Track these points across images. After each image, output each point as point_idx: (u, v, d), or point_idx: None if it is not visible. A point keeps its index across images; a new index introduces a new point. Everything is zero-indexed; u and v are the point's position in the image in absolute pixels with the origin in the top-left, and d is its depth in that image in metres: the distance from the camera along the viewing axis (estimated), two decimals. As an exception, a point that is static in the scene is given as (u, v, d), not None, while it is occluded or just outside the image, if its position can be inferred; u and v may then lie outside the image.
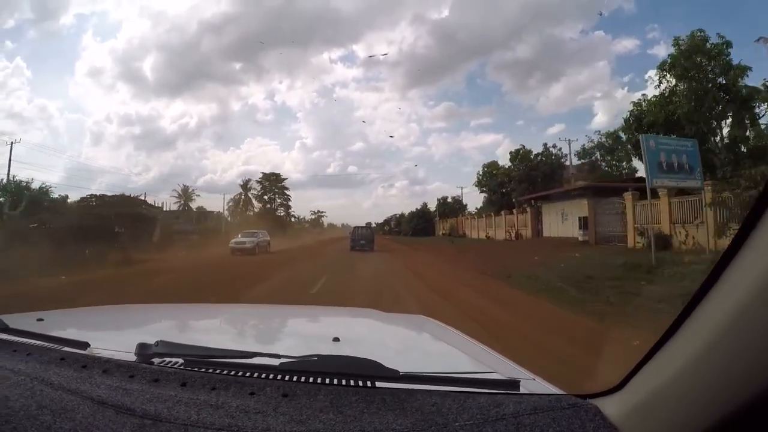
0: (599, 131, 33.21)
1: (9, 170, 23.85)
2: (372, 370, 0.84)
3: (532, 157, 33.75)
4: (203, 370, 0.90)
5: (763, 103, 18.23)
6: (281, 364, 0.88)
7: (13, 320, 1.15)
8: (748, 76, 18.02)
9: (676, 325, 0.68)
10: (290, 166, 64.95)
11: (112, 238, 19.33)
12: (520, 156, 34.11)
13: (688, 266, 9.72)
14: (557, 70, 57.58)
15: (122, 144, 60.35)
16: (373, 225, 47.22)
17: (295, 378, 0.85)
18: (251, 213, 46.08)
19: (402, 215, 56.12)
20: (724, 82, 18.03)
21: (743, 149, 18.96)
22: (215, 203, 54.06)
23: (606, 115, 51.68)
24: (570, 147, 32.09)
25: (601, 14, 44.45)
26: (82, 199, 23.42)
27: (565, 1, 51.55)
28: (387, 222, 59.79)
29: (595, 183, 23.59)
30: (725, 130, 18.73)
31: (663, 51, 41.64)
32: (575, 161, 32.38)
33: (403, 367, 0.85)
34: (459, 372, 0.96)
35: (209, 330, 1.77)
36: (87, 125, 58.08)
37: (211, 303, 3.93)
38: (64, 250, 16.07)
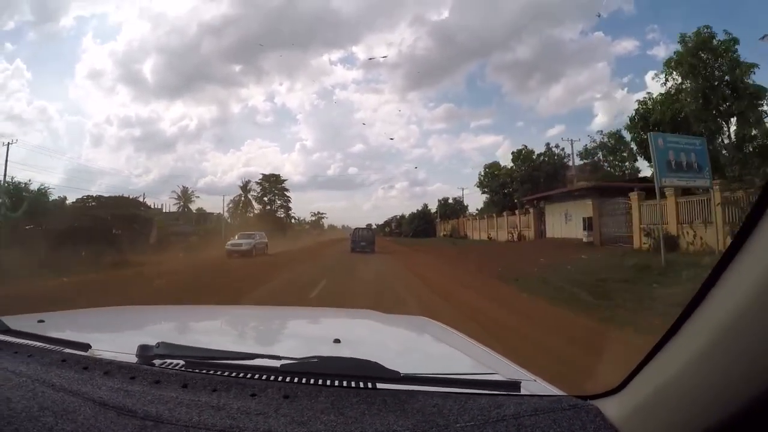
0: (601, 131, 32.91)
1: (5, 171, 23.47)
2: (373, 371, 0.84)
3: (534, 157, 33.37)
4: (204, 371, 0.90)
5: (770, 101, 17.89)
6: (282, 365, 0.88)
7: (14, 322, 1.15)
8: (754, 73, 17.72)
9: (677, 326, 0.68)
10: (290, 167, 64.74)
11: (108, 240, 19.01)
12: (522, 156, 33.72)
13: (699, 268, 9.37)
14: (557, 71, 57.44)
15: (122, 146, 60.23)
16: (374, 226, 47.03)
17: (296, 379, 0.85)
18: (251, 215, 45.73)
19: (402, 216, 56.07)
20: (730, 79, 17.64)
21: (751, 148, 18.59)
22: (215, 205, 54.03)
23: (606, 115, 51.72)
24: (572, 147, 31.77)
25: (599, 15, 44.15)
26: (78, 200, 23.11)
27: (564, 2, 51.07)
28: (387, 223, 59.57)
29: (600, 183, 23.23)
30: (732, 129, 18.33)
31: (663, 52, 41.80)
32: (577, 162, 32.12)
33: (403, 369, 0.85)
34: (460, 373, 0.96)
35: (210, 331, 1.77)
36: (87, 127, 58.52)
37: (212, 305, 3.79)
38: (59, 252, 15.82)
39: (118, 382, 0.84)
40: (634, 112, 20.62)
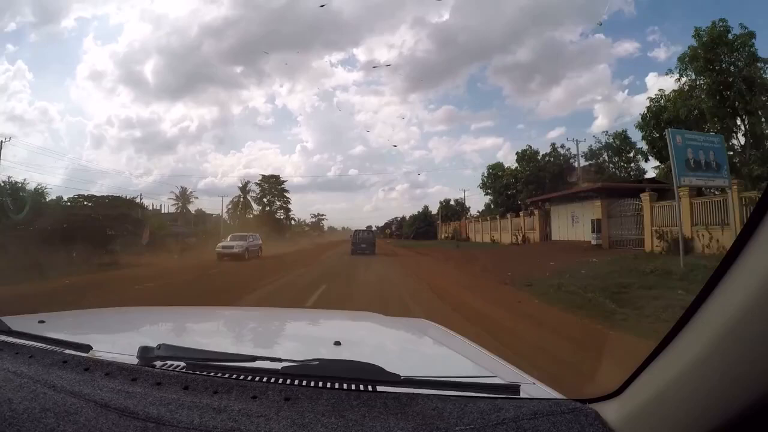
0: (607, 131, 32.22)
1: (-1, 171, 22.77)
2: (373, 374, 0.84)
3: (539, 157, 32.64)
4: (205, 373, 0.89)
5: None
6: (283, 368, 0.89)
7: (15, 322, 1.16)
8: (772, 68, 16.99)
9: (675, 330, 0.68)
10: (291, 169, 64.47)
11: (100, 240, 18.27)
12: (527, 156, 32.96)
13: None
14: (557, 74, 57.22)
15: (123, 147, 59.78)
16: (374, 228, 46.32)
17: (296, 382, 0.85)
18: (250, 216, 45.15)
19: (403, 218, 55.57)
20: (747, 75, 16.91)
21: (768, 146, 17.87)
22: (216, 206, 53.52)
23: (606, 118, 51.60)
24: (578, 147, 31.06)
25: (600, 24, 43.60)
26: (70, 199, 22.31)
27: (565, 4, 50.74)
28: (388, 225, 59.07)
29: (609, 184, 22.57)
30: (748, 126, 17.57)
31: (663, 54, 41.49)
32: (582, 163, 31.41)
33: (404, 371, 0.86)
34: (460, 376, 1.00)
35: (211, 333, 1.77)
36: (88, 128, 57.49)
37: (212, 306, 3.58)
38: (48, 253, 15.22)
39: (119, 383, 0.84)
40: (645, 110, 19.85)
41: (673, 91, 18.77)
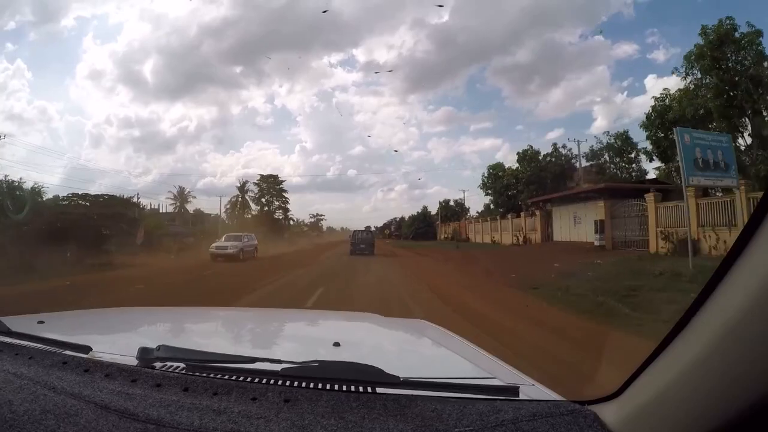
0: (608, 132, 31.91)
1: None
2: (373, 375, 0.84)
3: (540, 157, 32.29)
4: (205, 375, 0.89)
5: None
6: (283, 369, 0.88)
7: (14, 322, 1.15)
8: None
9: (675, 331, 0.68)
10: (290, 169, 64.03)
11: (94, 240, 17.84)
12: (528, 157, 32.61)
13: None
14: (557, 75, 57.28)
15: (122, 146, 59.57)
16: (373, 229, 46.02)
17: (296, 383, 0.85)
18: (249, 216, 44.81)
19: (402, 219, 55.16)
20: (755, 73, 16.60)
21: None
22: (215, 206, 53.22)
23: (605, 119, 51.49)
24: (579, 148, 30.74)
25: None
26: (64, 198, 21.81)
27: (564, 6, 50.51)
28: (387, 226, 58.76)
29: (612, 184, 22.26)
30: (755, 126, 17.26)
31: (662, 56, 41.79)
32: (583, 163, 31.10)
33: (403, 373, 0.86)
34: (459, 377, 1.00)
35: (210, 334, 1.75)
36: (87, 128, 57.08)
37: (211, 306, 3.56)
38: (38, 253, 14.86)
39: (119, 384, 0.84)
40: (650, 109, 19.49)
41: (679, 90, 18.48)
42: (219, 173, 71.22)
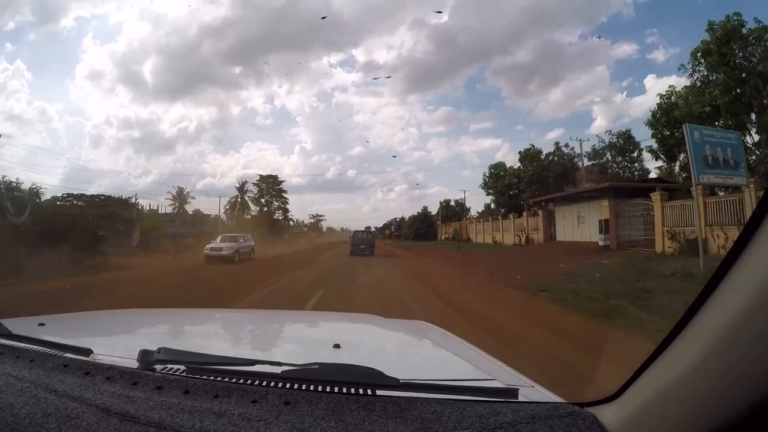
0: (610, 131, 31.56)
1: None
2: (372, 378, 0.85)
3: (543, 156, 31.92)
4: (205, 377, 0.89)
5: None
6: (283, 372, 0.88)
7: (14, 325, 1.14)
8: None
9: (674, 333, 0.68)
10: (290, 170, 63.78)
11: (89, 241, 17.43)
12: (530, 156, 32.24)
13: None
14: (556, 75, 57.12)
15: (122, 147, 58.83)
16: (373, 229, 45.74)
17: (296, 386, 0.85)
18: (249, 216, 44.50)
19: (402, 219, 55.01)
20: (762, 70, 16.24)
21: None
22: (214, 206, 52.94)
23: (605, 119, 51.24)
24: (581, 147, 30.40)
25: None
26: (59, 198, 21.37)
27: (564, 6, 50.30)
28: (387, 226, 58.45)
29: (616, 183, 21.93)
30: (763, 124, 16.90)
31: (662, 56, 42.10)
32: (585, 162, 30.75)
33: (403, 374, 0.86)
34: (458, 379, 1.00)
35: (210, 336, 1.75)
36: (86, 128, 56.99)
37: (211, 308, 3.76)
38: (31, 255, 14.53)
39: (120, 387, 0.84)
40: (656, 107, 19.12)
41: (685, 87, 18.11)
42: (219, 174, 71.31)
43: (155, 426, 0.71)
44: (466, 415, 0.75)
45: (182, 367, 0.92)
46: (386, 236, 52.89)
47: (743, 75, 16.62)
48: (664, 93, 19.12)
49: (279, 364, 0.90)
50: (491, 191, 36.63)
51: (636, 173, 28.72)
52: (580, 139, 30.51)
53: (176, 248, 24.51)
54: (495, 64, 60.16)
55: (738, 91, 16.43)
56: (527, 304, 7.66)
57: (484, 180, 37.25)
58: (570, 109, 56.72)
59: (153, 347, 0.95)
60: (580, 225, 23.23)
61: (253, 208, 46.29)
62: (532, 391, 0.95)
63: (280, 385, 0.85)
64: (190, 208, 44.90)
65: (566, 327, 5.69)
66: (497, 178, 35.65)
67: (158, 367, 0.93)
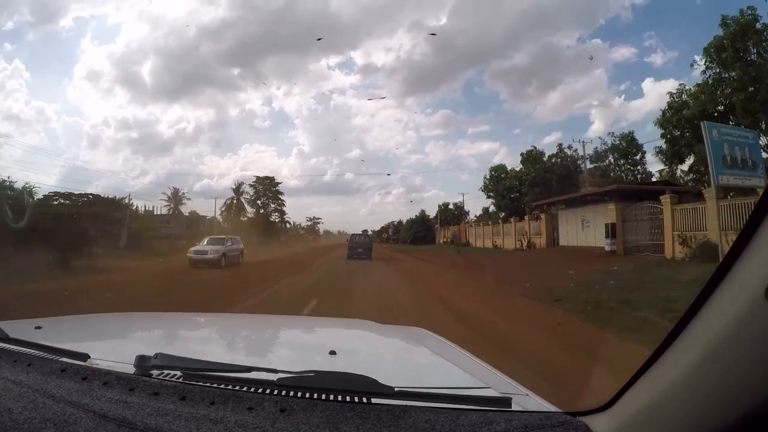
0: (613, 132, 30.94)
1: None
2: (367, 386, 0.85)
3: (545, 159, 31.24)
4: (202, 383, 0.89)
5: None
6: (279, 379, 0.88)
7: (11, 327, 1.14)
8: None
9: (666, 343, 0.68)
10: (287, 172, 63.47)
11: (73, 242, 16.59)
12: (532, 158, 31.54)
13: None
14: (554, 79, 56.03)
15: (119, 148, 56.67)
16: (370, 233, 45.18)
17: (292, 393, 0.85)
18: (245, 218, 43.84)
19: (400, 222, 54.32)
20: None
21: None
22: (212, 208, 52.38)
23: (603, 122, 50.70)
24: (584, 148, 29.76)
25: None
26: (45, 197, 20.48)
27: (562, 9, 49.80)
28: (385, 229, 57.78)
29: (624, 185, 21.28)
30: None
31: (660, 59, 41.06)
32: (587, 165, 30.11)
33: (398, 382, 0.86)
34: (453, 387, 1.00)
35: (207, 341, 1.75)
36: (84, 128, 56.21)
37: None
38: (10, 256, 13.71)
39: (117, 393, 0.84)
40: (666, 105, 18.45)
41: (696, 84, 17.45)
42: (216, 175, 71.10)
43: None
44: (459, 424, 0.75)
45: (179, 373, 0.92)
46: (384, 240, 52.29)
47: (753, 74, 15.99)
48: (674, 91, 18.48)
49: (275, 371, 0.91)
50: (492, 194, 35.92)
51: (639, 176, 28.16)
52: (583, 141, 29.93)
53: (169, 250, 23.74)
54: (493, 67, 60.10)
55: (752, 88, 15.76)
56: (545, 317, 6.85)
57: (485, 183, 36.56)
58: (568, 112, 56.21)
59: (150, 352, 0.95)
60: (584, 229, 22.56)
61: (250, 210, 45.66)
62: (527, 400, 0.95)
63: (275, 392, 0.85)
64: (186, 210, 44.43)
65: (594, 344, 4.82)
66: (498, 181, 34.94)
67: (155, 372, 0.92)
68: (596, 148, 29.25)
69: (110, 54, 56.79)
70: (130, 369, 0.93)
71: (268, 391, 0.85)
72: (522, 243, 26.90)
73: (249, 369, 0.92)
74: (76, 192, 21.78)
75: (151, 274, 14.37)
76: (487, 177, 36.35)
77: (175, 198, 43.91)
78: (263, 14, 52.09)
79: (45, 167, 47.39)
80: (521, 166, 32.57)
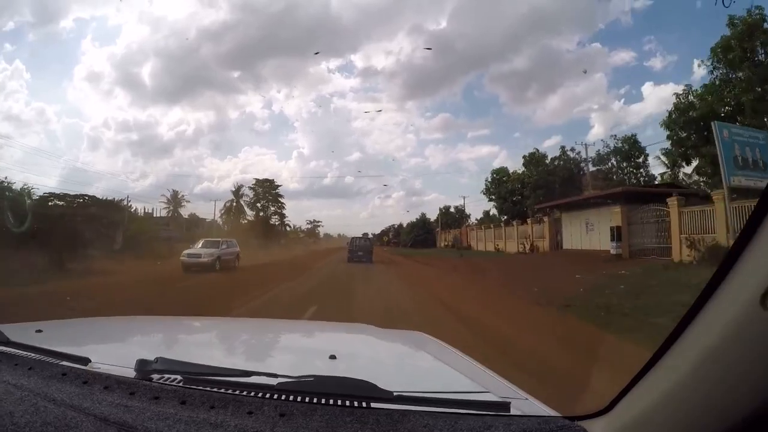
0: (615, 135, 30.70)
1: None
2: (366, 391, 0.85)
3: (548, 161, 30.91)
4: (202, 388, 0.89)
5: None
6: (278, 384, 0.89)
7: (12, 331, 1.14)
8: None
9: (663, 349, 0.69)
10: (287, 175, 63.35)
11: (62, 244, 16.22)
12: (534, 160, 31.21)
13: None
14: (554, 82, 56.50)
15: (119, 150, 56.55)
16: (370, 236, 44.96)
17: (291, 398, 0.85)
18: (244, 221, 43.65)
19: (401, 226, 54.16)
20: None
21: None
22: (211, 211, 52.15)
23: (602, 126, 50.64)
24: (587, 151, 29.45)
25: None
26: (40, 198, 20.07)
27: (562, 13, 49.94)
28: (385, 233, 57.69)
29: (630, 188, 20.99)
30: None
31: (659, 63, 41.65)
32: (589, 168, 29.80)
33: (397, 387, 0.86)
34: (452, 391, 0.98)
35: (208, 345, 1.77)
36: (84, 130, 56.44)
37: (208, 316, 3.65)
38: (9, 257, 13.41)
39: (117, 397, 0.84)
40: (672, 107, 18.15)
41: (703, 85, 17.16)
42: (216, 178, 70.94)
43: None
44: (457, 429, 0.75)
45: (179, 378, 0.93)
46: (384, 243, 52.12)
47: (764, 73, 15.69)
48: (681, 93, 18.19)
49: (275, 375, 0.91)
50: (493, 197, 35.59)
51: (642, 179, 27.86)
52: (586, 144, 29.62)
53: (168, 252, 23.38)
54: (493, 71, 59.80)
55: (760, 88, 15.46)
56: (557, 324, 6.47)
57: (486, 185, 36.25)
58: (567, 116, 56.20)
59: (150, 356, 0.95)
60: (588, 232, 22.23)
61: (249, 213, 45.45)
62: (526, 404, 0.95)
63: (275, 396, 0.85)
64: (185, 212, 44.27)
65: (625, 360, 4.40)
66: (500, 184, 34.62)
67: (155, 376, 0.93)
68: (598, 150, 29.02)
69: (111, 55, 57.62)
70: (131, 373, 0.93)
71: (267, 395, 0.86)
72: (525, 246, 26.58)
73: (249, 373, 0.92)
74: (72, 193, 21.47)
75: (142, 278, 13.85)
76: (489, 180, 36.11)
77: (174, 200, 43.81)
78: (263, 17, 52.15)
79: (45, 169, 47.42)
80: (523, 168, 32.31)
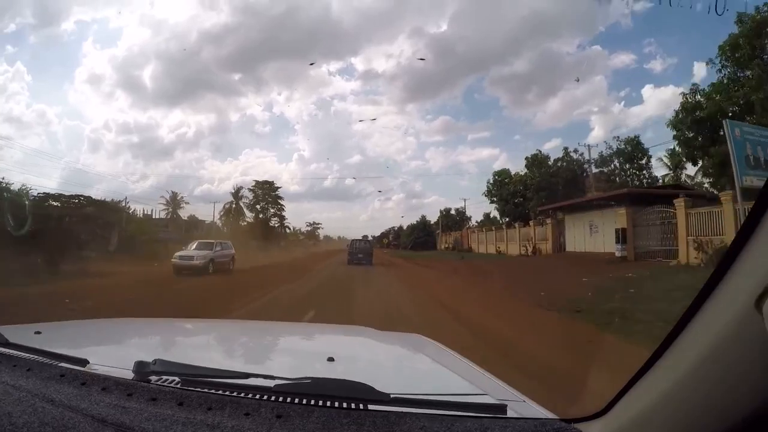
0: (618, 136, 30.42)
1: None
2: (363, 393, 0.85)
3: (550, 163, 30.60)
4: (199, 389, 0.90)
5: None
6: (276, 385, 0.89)
7: (11, 332, 1.15)
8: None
9: (659, 352, 0.68)
10: (287, 177, 62.89)
11: (57, 245, 15.88)
12: (537, 162, 30.90)
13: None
14: (554, 85, 56.18)
15: (120, 152, 56.62)
16: (370, 238, 44.72)
17: (288, 399, 0.85)
18: (244, 223, 43.35)
19: (401, 228, 53.84)
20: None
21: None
22: (210, 213, 52.08)
23: (603, 129, 50.83)
24: (589, 152, 29.16)
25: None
26: (35, 198, 19.76)
27: (562, 16, 49.76)
28: (385, 235, 57.44)
29: (635, 189, 20.69)
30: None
31: (659, 65, 41.70)
32: (592, 170, 29.52)
33: (394, 389, 0.86)
34: (449, 394, 0.98)
35: (206, 347, 1.76)
36: (85, 132, 56.09)
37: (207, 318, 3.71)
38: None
39: (115, 398, 0.84)
40: (680, 106, 17.85)
41: (711, 84, 16.85)
42: (217, 180, 70.31)
43: None
44: (454, 431, 0.75)
45: (177, 379, 0.93)
46: (384, 245, 51.82)
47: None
48: (688, 92, 17.89)
49: (272, 377, 0.91)
50: (495, 199, 35.27)
51: (645, 181, 27.61)
52: (588, 145, 29.29)
53: (166, 254, 23.02)
54: (493, 73, 59.50)
55: (768, 86, 15.18)
56: (569, 331, 6.10)
57: (488, 187, 35.93)
58: (568, 119, 55.84)
59: (148, 358, 0.95)
60: (592, 234, 21.93)
61: (249, 215, 45.15)
62: (523, 407, 0.95)
63: (272, 398, 0.85)
64: (185, 214, 43.86)
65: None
66: (501, 186, 34.31)
67: (153, 378, 0.93)
68: (601, 152, 28.76)
69: (112, 58, 57.11)
70: (129, 374, 0.93)
71: (265, 397, 0.86)
72: (527, 249, 26.22)
73: (246, 375, 0.92)
74: (67, 194, 21.14)
75: (136, 280, 13.47)
76: (491, 182, 35.80)
77: (174, 202, 43.54)
78: (264, 20, 51.96)
79: (46, 170, 47.25)
80: (525, 170, 32.00)
